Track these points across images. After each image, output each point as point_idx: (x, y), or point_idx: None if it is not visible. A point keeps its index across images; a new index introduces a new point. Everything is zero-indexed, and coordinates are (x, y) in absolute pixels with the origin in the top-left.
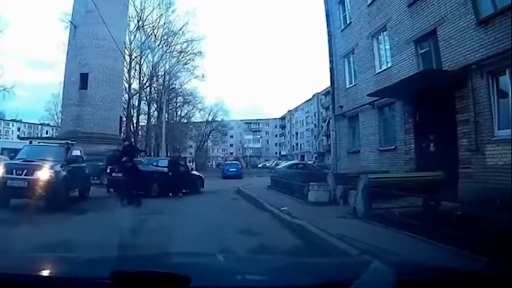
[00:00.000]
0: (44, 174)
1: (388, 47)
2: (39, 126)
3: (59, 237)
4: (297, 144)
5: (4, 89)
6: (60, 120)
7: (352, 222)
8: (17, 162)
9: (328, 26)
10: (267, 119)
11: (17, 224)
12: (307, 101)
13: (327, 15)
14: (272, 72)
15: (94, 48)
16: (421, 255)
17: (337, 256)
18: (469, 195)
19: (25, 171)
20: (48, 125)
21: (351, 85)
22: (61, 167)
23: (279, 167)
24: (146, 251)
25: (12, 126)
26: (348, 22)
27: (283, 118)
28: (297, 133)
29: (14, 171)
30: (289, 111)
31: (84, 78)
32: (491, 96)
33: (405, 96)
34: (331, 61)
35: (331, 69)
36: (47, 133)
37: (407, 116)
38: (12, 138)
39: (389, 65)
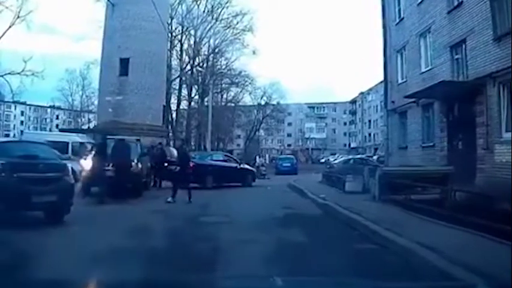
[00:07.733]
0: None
1: (431, 48)
2: (48, 110)
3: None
4: (369, 134)
5: (32, 74)
6: (97, 108)
7: (367, 203)
8: None
9: (383, 17)
10: (334, 103)
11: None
12: (382, 81)
13: (383, 7)
14: (340, 45)
15: (135, 30)
16: (408, 223)
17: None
18: (482, 186)
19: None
20: (59, 108)
21: (402, 81)
22: (137, 160)
23: (335, 162)
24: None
25: (15, 109)
26: (402, 17)
27: (353, 102)
28: (369, 121)
29: None
30: (361, 93)
31: (124, 64)
32: (500, 103)
33: (437, 99)
34: (385, 54)
35: (385, 63)
36: (57, 118)
37: (442, 116)
38: (14, 126)
39: (431, 66)
